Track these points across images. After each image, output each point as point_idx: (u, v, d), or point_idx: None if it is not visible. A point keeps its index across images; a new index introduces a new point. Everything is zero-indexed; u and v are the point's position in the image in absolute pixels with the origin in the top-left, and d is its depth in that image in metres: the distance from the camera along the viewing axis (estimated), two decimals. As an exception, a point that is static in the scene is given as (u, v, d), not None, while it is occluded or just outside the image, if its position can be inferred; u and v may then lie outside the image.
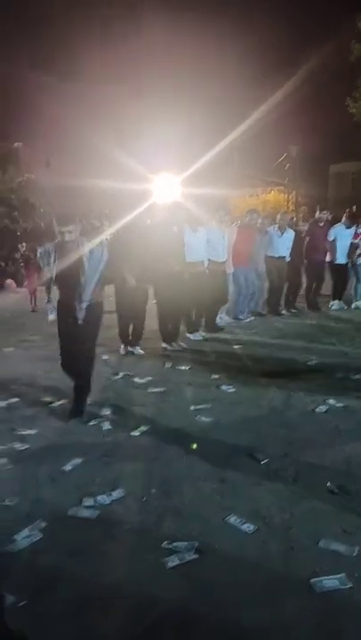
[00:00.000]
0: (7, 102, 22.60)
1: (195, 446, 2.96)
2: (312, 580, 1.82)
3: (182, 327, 5.76)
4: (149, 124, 22.76)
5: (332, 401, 3.65)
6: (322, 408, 3.53)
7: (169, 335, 5.47)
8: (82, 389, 3.59)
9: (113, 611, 1.74)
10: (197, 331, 5.90)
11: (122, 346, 5.29)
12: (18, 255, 12.47)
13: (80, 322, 3.38)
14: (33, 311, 8.89)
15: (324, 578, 1.83)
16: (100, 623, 1.69)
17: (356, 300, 7.86)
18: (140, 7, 30.94)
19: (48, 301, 3.58)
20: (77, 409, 3.53)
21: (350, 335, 5.92)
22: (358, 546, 2.00)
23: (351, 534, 2.08)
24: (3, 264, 15.67)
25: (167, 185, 11.97)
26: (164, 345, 5.41)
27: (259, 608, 1.73)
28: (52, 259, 3.38)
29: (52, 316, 3.51)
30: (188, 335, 5.74)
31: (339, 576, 1.83)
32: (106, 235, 9.55)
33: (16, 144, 20.18)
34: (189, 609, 1.73)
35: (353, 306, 7.80)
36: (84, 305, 3.37)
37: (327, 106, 23.30)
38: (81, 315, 3.37)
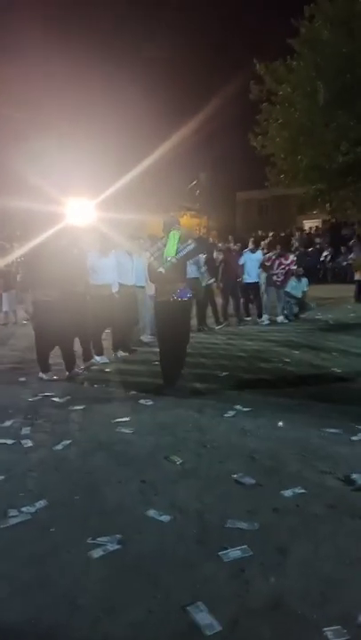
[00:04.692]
0: None
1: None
2: (220, 553, 2.12)
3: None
4: (61, 149, 22.85)
5: (239, 406, 4.05)
6: (230, 413, 3.92)
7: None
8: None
9: (41, 597, 1.89)
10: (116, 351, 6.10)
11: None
12: None
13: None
14: None
15: (230, 550, 2.13)
16: (26, 613, 1.83)
17: (263, 316, 8.83)
18: (55, 35, 31.25)
19: None
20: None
21: (256, 350, 6.49)
22: (258, 522, 2.34)
23: (253, 514, 2.42)
24: None
25: (81, 208, 12.12)
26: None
27: (178, 577, 1.99)
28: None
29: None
30: (96, 357, 5.92)
31: (242, 547, 2.15)
32: (16, 255, 9.46)
33: None
34: (112, 590, 1.93)
35: (262, 320, 8.73)
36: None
37: (232, 139, 25.50)
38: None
